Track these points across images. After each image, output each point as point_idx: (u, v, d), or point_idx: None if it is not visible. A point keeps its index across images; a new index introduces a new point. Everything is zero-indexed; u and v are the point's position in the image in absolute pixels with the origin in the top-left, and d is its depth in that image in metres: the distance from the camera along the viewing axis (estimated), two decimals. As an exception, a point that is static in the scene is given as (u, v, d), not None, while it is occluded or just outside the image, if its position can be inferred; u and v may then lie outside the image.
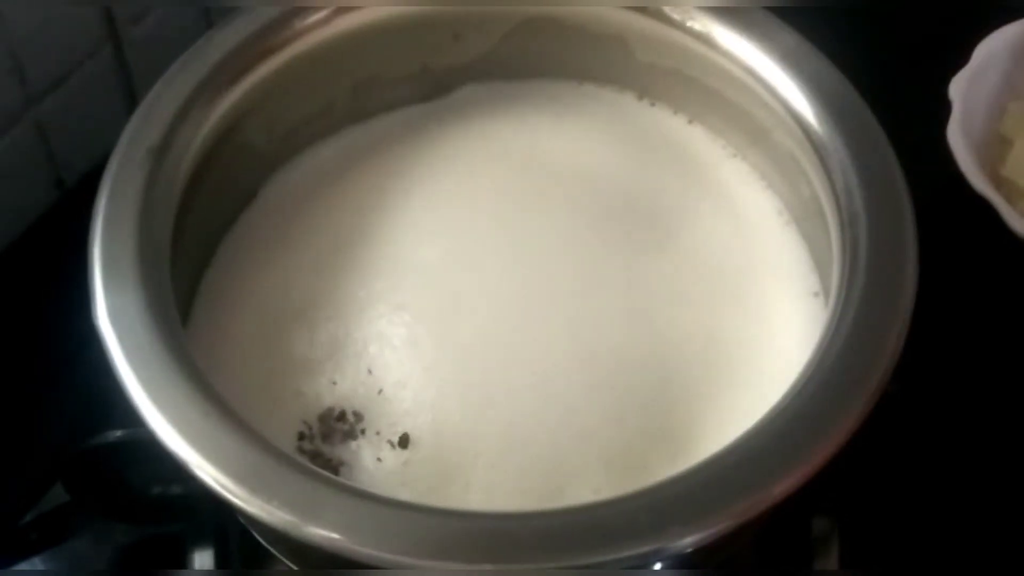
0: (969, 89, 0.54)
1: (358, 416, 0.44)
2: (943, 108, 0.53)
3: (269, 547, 0.43)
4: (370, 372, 0.44)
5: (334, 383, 0.44)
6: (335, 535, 0.35)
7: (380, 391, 0.44)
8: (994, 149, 0.55)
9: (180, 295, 0.42)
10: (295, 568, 0.43)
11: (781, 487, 0.36)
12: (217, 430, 0.37)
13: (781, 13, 0.47)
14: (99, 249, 0.40)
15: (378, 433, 0.43)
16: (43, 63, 0.54)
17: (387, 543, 0.35)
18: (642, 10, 0.48)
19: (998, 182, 0.53)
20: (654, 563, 0.35)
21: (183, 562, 0.46)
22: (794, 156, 0.46)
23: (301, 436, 0.43)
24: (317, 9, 0.48)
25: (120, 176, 0.43)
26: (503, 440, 0.42)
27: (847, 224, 0.41)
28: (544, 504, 0.38)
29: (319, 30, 0.48)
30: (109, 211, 0.41)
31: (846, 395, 0.38)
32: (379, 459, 0.43)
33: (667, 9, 0.48)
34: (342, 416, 0.44)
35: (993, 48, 0.55)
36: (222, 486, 0.36)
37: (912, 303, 0.39)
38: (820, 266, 0.46)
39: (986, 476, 0.50)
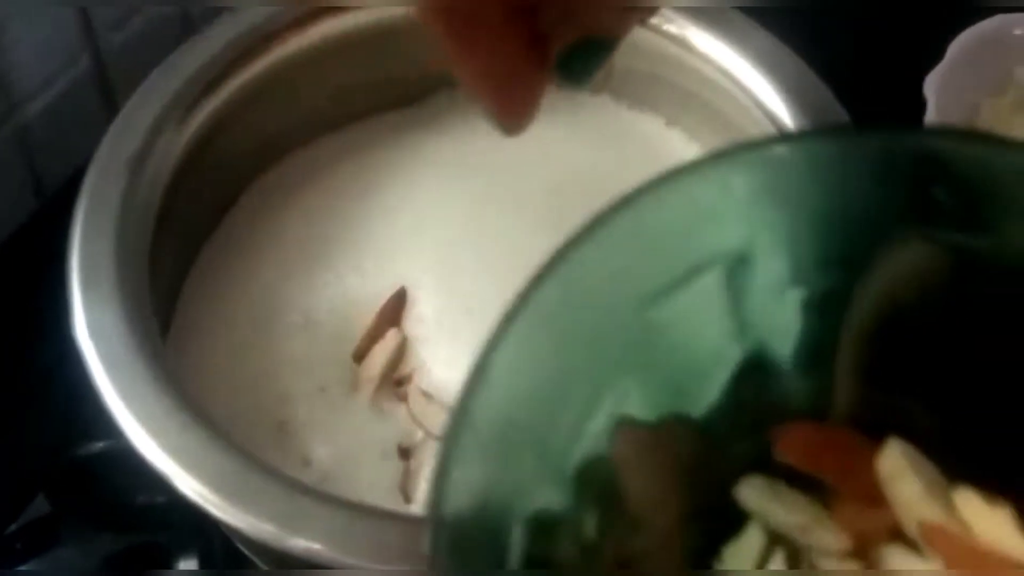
0: (943, 86, 0.54)
1: (343, 423, 0.44)
2: (918, 105, 0.53)
3: (252, 557, 0.43)
4: (352, 379, 0.45)
5: (322, 389, 0.44)
6: (317, 545, 0.35)
7: (364, 399, 0.44)
8: (970, 145, 0.55)
9: (161, 302, 0.42)
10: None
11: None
12: (197, 441, 0.37)
13: (755, 13, 0.47)
14: (78, 261, 0.41)
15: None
16: (24, 71, 0.54)
17: (369, 553, 0.35)
18: (618, 14, 0.48)
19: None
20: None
21: (167, 571, 0.46)
22: (771, 157, 0.46)
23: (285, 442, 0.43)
24: (296, 16, 0.48)
25: (99, 186, 0.43)
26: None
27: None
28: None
29: (297, 37, 0.48)
30: (88, 222, 0.42)
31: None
32: (383, 454, 0.43)
33: (642, 13, 0.48)
34: (326, 423, 0.44)
35: (966, 44, 0.55)
36: (203, 497, 0.36)
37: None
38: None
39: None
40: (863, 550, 0.28)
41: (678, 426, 0.29)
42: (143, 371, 0.38)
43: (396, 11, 0.49)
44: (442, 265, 0.47)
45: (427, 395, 0.44)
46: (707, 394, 0.30)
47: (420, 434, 0.43)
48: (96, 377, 0.38)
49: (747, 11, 0.47)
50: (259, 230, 0.49)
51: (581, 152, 0.50)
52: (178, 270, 0.47)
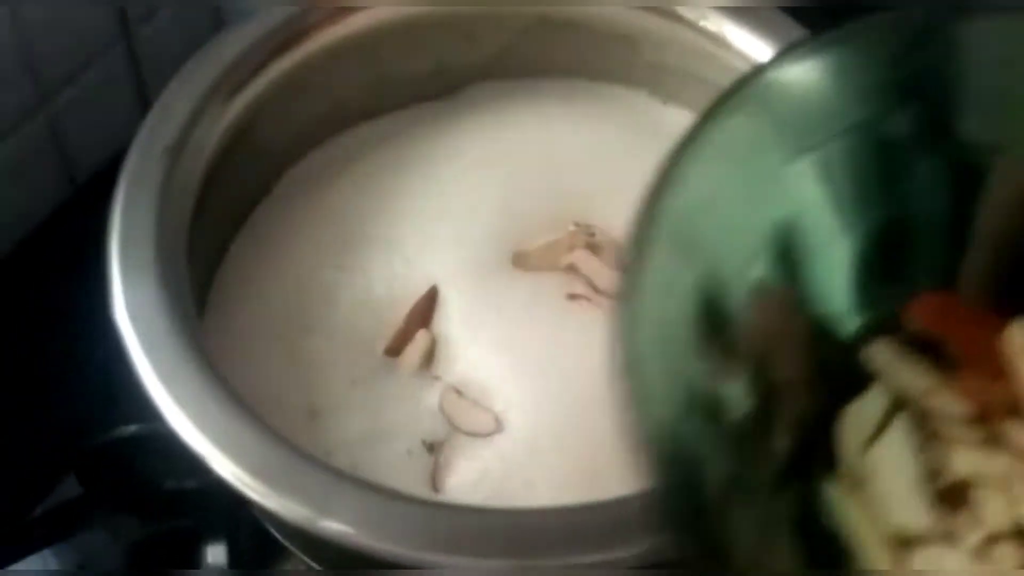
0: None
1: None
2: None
3: (283, 541, 0.43)
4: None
5: (352, 382, 0.44)
6: (349, 529, 0.35)
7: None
8: None
9: (196, 288, 0.42)
10: (310, 563, 0.43)
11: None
12: (234, 425, 0.37)
13: (794, 13, 0.47)
14: (117, 245, 0.41)
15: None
16: (56, 60, 0.54)
17: (401, 538, 0.35)
18: (655, 10, 0.48)
19: None
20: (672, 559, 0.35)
21: (195, 555, 0.46)
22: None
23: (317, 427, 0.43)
24: (330, 8, 0.48)
25: (137, 173, 0.43)
26: (527, 441, 0.43)
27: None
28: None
29: (332, 29, 0.48)
30: (127, 207, 0.42)
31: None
32: (409, 452, 0.43)
33: (680, 9, 0.48)
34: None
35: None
36: (239, 480, 0.36)
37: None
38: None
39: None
40: (984, 421, 0.29)
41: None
42: (181, 353, 0.38)
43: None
44: (473, 262, 0.47)
45: (458, 392, 0.44)
46: (841, 258, 0.30)
47: (449, 429, 0.43)
48: (134, 358, 0.38)
49: (785, 9, 0.47)
50: (292, 217, 0.49)
51: (615, 147, 0.50)
52: (214, 255, 0.47)
